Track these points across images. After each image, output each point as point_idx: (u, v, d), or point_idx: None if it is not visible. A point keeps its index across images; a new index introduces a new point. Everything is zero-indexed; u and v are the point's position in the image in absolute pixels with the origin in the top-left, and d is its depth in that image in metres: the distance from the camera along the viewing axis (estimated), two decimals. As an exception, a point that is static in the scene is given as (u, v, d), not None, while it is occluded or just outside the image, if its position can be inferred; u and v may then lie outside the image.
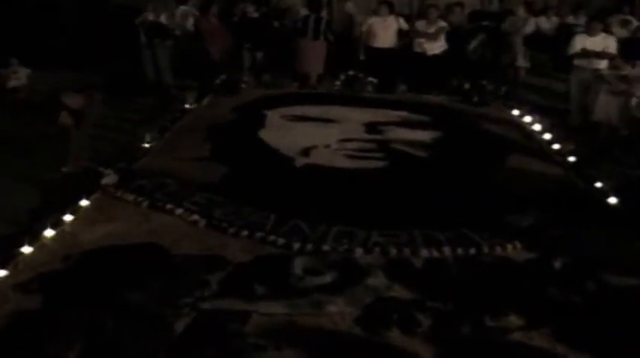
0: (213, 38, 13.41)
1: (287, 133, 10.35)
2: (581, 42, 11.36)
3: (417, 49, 13.58)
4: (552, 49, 14.48)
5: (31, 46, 12.65)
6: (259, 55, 14.09)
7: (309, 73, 13.71)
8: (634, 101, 10.10)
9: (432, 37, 13.45)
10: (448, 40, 13.60)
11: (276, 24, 14.69)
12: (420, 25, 13.67)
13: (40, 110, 8.98)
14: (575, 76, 11.54)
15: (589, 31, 11.35)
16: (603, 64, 11.13)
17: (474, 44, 13.82)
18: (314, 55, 13.66)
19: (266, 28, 14.33)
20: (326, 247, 6.57)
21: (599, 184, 8.27)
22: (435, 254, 6.53)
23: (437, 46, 13.50)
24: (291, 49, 13.89)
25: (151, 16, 13.68)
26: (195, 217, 7.18)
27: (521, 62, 14.67)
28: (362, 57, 13.98)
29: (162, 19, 13.58)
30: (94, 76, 12.36)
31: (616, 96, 10.35)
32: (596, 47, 11.19)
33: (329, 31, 13.57)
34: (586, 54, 11.24)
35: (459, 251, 6.58)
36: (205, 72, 13.24)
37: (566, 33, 13.69)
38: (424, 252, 6.54)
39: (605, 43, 11.15)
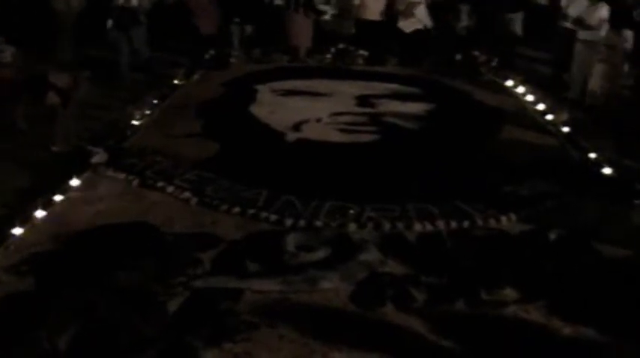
0: (202, 13, 13.25)
1: (278, 108, 10.28)
2: (577, 12, 11.23)
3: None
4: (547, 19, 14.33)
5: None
6: (248, 29, 13.91)
7: (298, 46, 13.57)
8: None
9: (404, 14, 13.26)
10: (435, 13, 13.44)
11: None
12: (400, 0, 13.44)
13: (25, 89, 8.85)
14: (577, 47, 11.41)
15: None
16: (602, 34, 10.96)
17: (463, 19, 13.66)
18: (300, 29, 13.51)
19: (255, 2, 14.17)
20: (319, 223, 6.53)
21: (593, 155, 8.22)
22: (429, 228, 6.51)
23: (409, 24, 13.26)
24: (280, 22, 13.75)
25: (120, 1, 12.23)
26: (187, 195, 7.14)
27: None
28: (353, 30, 13.83)
29: (134, 1, 12.36)
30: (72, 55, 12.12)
31: (607, 65, 10.29)
32: (593, 17, 11.03)
33: (308, 7, 13.42)
34: (580, 23, 11.10)
35: (453, 224, 6.55)
36: (194, 47, 13.12)
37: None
38: (418, 226, 6.51)
39: (601, 12, 10.99)
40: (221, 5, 13.64)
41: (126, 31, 12.33)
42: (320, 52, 13.59)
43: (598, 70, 10.40)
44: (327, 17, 14.15)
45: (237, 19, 13.73)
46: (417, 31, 13.19)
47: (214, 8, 13.46)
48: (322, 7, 14.05)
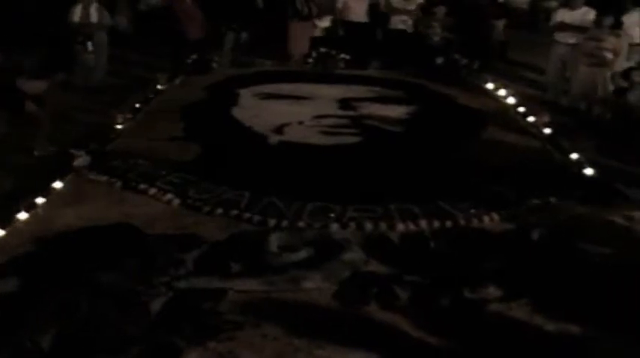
0: (187, 18, 13.19)
1: (260, 111, 10.29)
2: (561, 15, 11.33)
3: (396, 26, 13.43)
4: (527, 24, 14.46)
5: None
6: (244, 35, 13.84)
7: (295, 53, 13.57)
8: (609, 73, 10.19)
9: (411, 15, 13.32)
10: None
11: (259, 3, 14.44)
12: (397, 1, 13.47)
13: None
14: (554, 50, 11.49)
15: (571, 5, 11.29)
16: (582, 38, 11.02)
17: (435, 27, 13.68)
18: (301, 37, 13.52)
19: (251, 8, 14.11)
20: (301, 223, 6.54)
21: (574, 156, 8.27)
22: (412, 227, 6.53)
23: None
24: (275, 29, 13.71)
25: (77, 16, 11.80)
26: (170, 197, 7.12)
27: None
28: (340, 32, 13.83)
29: (93, 17, 11.89)
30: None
31: (596, 68, 10.35)
32: (575, 21, 11.12)
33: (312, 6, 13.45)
34: (564, 27, 11.19)
35: (436, 224, 6.57)
36: (178, 52, 13.07)
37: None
38: (401, 227, 6.53)
39: (584, 16, 11.07)
40: (217, 11, 13.56)
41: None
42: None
43: (583, 73, 10.46)
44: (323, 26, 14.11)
45: (234, 25, 13.63)
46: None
47: (200, 13, 13.39)
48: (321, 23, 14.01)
